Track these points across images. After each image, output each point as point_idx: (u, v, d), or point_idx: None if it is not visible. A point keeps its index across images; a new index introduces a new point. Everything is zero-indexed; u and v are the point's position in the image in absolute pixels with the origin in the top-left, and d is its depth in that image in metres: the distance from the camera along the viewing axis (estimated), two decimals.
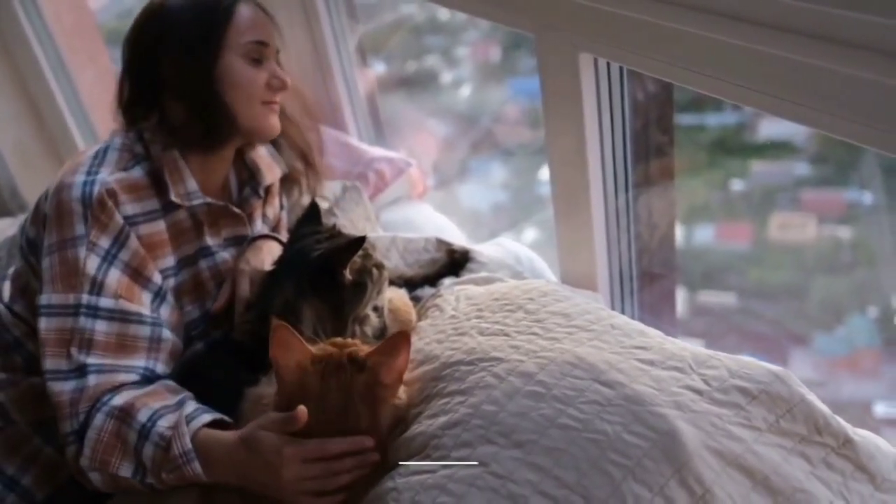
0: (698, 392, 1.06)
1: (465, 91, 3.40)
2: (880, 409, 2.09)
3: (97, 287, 1.31)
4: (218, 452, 1.19)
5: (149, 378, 1.32)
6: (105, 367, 1.29)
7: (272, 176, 1.61)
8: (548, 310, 1.28)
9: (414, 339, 1.33)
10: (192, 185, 1.43)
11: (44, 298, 1.31)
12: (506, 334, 1.23)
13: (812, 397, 1.06)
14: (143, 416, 1.23)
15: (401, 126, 2.74)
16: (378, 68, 2.85)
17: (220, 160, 1.51)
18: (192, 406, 1.26)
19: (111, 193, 1.33)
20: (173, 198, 1.41)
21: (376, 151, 2.19)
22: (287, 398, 1.16)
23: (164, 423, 1.22)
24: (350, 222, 1.81)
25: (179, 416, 1.23)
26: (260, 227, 1.59)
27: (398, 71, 3.15)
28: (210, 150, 1.47)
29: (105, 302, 1.31)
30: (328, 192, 1.91)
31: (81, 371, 1.28)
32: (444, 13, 3.23)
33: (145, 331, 1.33)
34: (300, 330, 1.21)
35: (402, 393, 1.20)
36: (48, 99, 2.68)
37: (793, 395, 1.06)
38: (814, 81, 0.99)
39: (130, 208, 1.36)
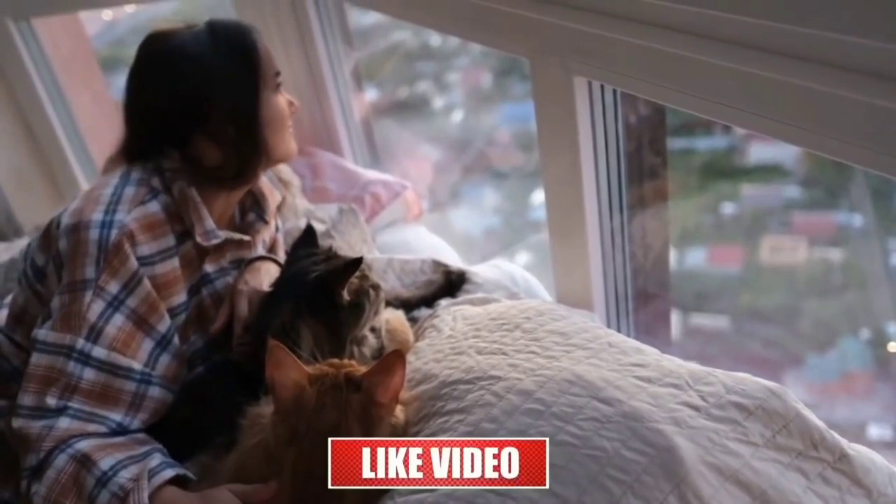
0: (695, 408, 1.07)
1: (457, 116, 3.43)
2: (874, 431, 2.10)
3: (94, 334, 1.30)
4: None
5: (118, 433, 1.31)
6: (81, 413, 1.28)
7: (274, 201, 1.64)
8: (545, 329, 1.29)
9: (412, 358, 1.34)
10: (210, 223, 1.44)
11: (41, 333, 1.31)
12: (504, 353, 1.24)
13: (807, 412, 1.08)
14: (105, 465, 1.22)
15: (393, 151, 2.76)
16: (371, 94, 2.87)
17: (240, 193, 1.53)
18: (157, 460, 1.25)
19: (129, 236, 1.33)
20: (198, 238, 1.41)
21: (372, 174, 2.21)
22: (283, 416, 1.17)
23: (126, 474, 1.22)
24: (347, 244, 1.82)
25: (143, 468, 1.22)
26: (259, 248, 1.59)
27: (390, 96, 3.18)
28: (240, 186, 1.49)
29: (98, 352, 1.30)
30: (324, 215, 1.93)
31: (57, 412, 1.27)
32: (435, 40, 3.26)
33: (131, 386, 1.33)
34: (297, 353, 1.22)
35: (399, 412, 1.20)
36: (44, 124, 2.69)
37: (788, 410, 1.07)
38: (805, 103, 1.00)
39: (147, 248, 1.36)
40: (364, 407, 1.15)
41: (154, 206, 1.38)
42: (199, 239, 1.42)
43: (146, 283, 1.35)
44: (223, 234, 1.46)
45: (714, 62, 1.09)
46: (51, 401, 1.27)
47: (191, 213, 1.41)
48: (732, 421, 1.06)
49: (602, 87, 1.42)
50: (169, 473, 1.22)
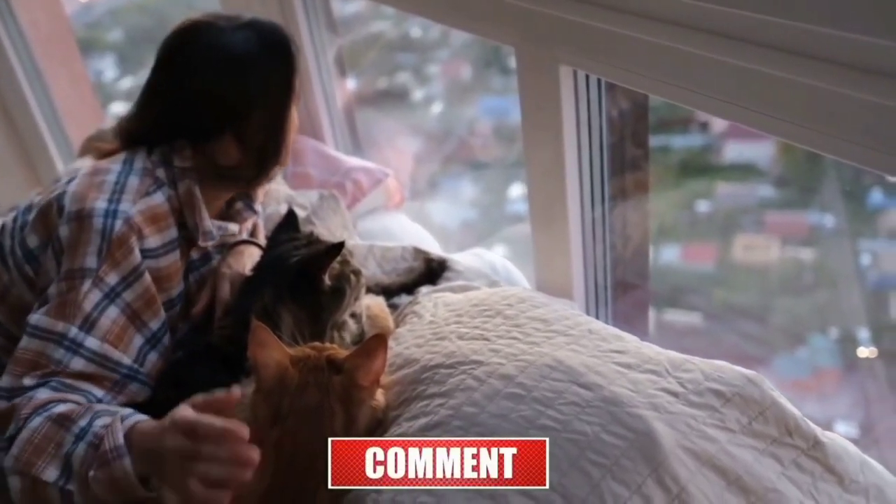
0: (674, 394, 1.09)
1: (436, 108, 3.44)
2: (840, 428, 2.14)
3: (88, 324, 1.28)
4: (144, 442, 1.14)
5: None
6: (62, 386, 1.26)
7: (263, 191, 1.66)
8: (526, 315, 1.30)
9: (392, 344, 1.34)
10: (209, 223, 1.44)
11: (34, 318, 1.28)
12: (485, 338, 1.25)
13: (783, 400, 1.09)
14: (83, 421, 1.20)
15: (372, 141, 2.76)
16: (350, 84, 2.86)
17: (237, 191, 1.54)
18: (129, 410, 1.23)
19: (134, 228, 1.32)
20: (200, 243, 1.43)
21: (354, 161, 2.20)
22: (265, 395, 1.17)
23: (99, 423, 1.19)
24: (327, 231, 1.81)
25: (116, 414, 1.19)
26: (242, 233, 1.59)
27: (370, 87, 3.17)
28: (249, 188, 1.52)
29: (91, 342, 1.28)
30: (305, 201, 1.92)
31: (35, 388, 1.24)
32: (416, 31, 3.26)
33: (115, 377, 1.31)
34: (278, 335, 1.22)
35: (380, 395, 1.21)
36: (21, 104, 2.66)
37: (764, 397, 1.09)
38: (790, 95, 1.02)
39: (153, 241, 1.35)
40: (345, 389, 1.16)
41: (159, 198, 1.37)
42: (199, 241, 1.42)
43: (146, 278, 1.34)
44: (218, 233, 1.46)
45: (703, 54, 1.10)
46: (28, 381, 1.25)
47: (194, 214, 1.41)
48: (710, 407, 1.07)
49: (587, 77, 1.43)
50: (143, 417, 1.19)
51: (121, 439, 1.14)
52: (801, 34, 0.96)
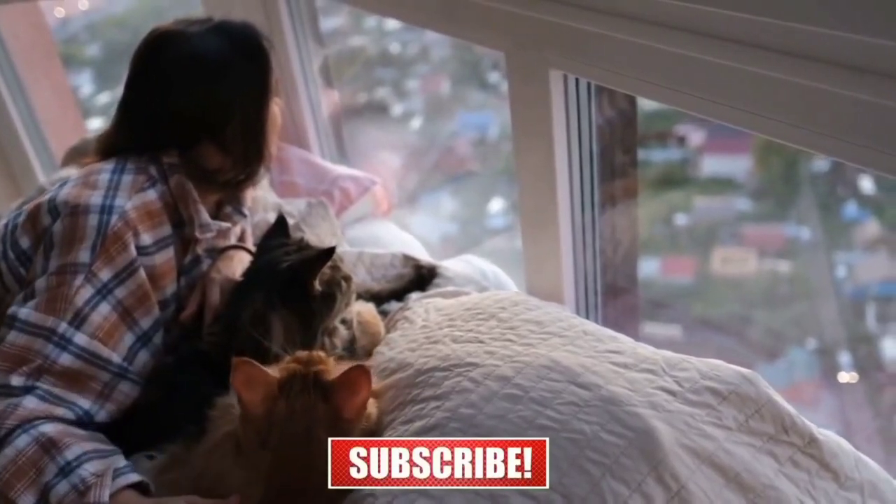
0: (671, 393, 1.09)
1: (416, 123, 3.45)
2: None
3: (79, 320, 1.27)
4: None
5: (83, 422, 1.28)
6: (49, 396, 1.25)
7: (251, 195, 1.66)
8: (520, 318, 1.30)
9: (385, 349, 1.34)
10: (206, 217, 1.44)
11: (23, 313, 1.27)
12: (480, 341, 1.25)
13: (779, 398, 1.10)
14: (70, 454, 1.19)
15: (352, 155, 2.76)
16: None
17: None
18: (122, 462, 1.22)
19: (130, 225, 1.32)
20: (196, 233, 1.42)
21: (341, 170, 2.20)
22: (252, 423, 1.14)
23: (89, 468, 1.18)
24: (317, 238, 1.80)
25: (108, 466, 1.18)
26: (231, 239, 1.59)
27: (350, 101, 3.18)
28: (237, 190, 1.52)
29: (80, 338, 1.27)
30: (293, 209, 1.91)
31: (24, 391, 1.23)
32: (395, 46, 3.28)
33: (105, 377, 1.30)
34: (268, 345, 1.20)
35: (371, 406, 1.19)
36: (1, 114, 2.64)
37: (760, 395, 1.10)
38: (780, 95, 1.03)
39: (147, 237, 1.35)
40: (332, 421, 1.13)
41: (152, 195, 1.38)
42: (196, 233, 1.42)
43: (140, 275, 1.33)
44: (215, 227, 1.47)
45: (690, 55, 1.11)
46: (17, 380, 1.23)
47: (189, 207, 1.41)
48: (707, 405, 1.08)
49: (577, 82, 1.44)
50: (134, 477, 1.19)
51: (106, 497, 1.15)
52: (792, 34, 0.97)
